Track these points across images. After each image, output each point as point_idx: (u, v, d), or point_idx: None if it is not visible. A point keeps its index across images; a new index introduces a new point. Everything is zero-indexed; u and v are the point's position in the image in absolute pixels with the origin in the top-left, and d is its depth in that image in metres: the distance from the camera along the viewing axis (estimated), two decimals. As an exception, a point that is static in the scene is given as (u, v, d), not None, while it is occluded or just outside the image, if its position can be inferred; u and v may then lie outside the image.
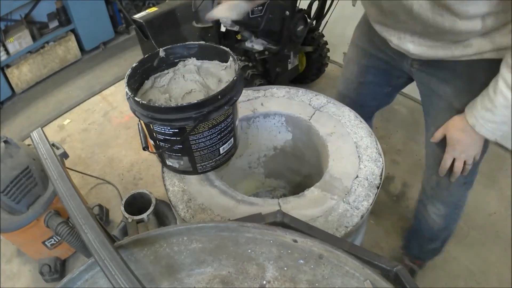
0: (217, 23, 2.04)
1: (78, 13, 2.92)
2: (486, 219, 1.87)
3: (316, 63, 2.43)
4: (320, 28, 2.36)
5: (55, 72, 3.02)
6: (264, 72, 2.24)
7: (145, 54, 1.07)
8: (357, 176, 1.09)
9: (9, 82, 2.73)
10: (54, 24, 2.91)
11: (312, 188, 1.07)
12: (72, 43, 3.03)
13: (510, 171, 2.05)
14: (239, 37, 2.17)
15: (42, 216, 1.42)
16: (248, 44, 2.13)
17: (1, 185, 1.31)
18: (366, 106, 1.38)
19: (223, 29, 2.07)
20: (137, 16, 2.34)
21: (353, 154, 1.15)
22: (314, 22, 2.20)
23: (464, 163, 1.01)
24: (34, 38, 2.74)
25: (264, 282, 0.60)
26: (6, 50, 2.61)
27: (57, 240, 1.59)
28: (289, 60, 2.22)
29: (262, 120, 1.36)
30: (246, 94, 1.38)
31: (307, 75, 2.53)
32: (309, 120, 1.28)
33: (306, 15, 2.15)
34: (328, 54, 2.44)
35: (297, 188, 1.52)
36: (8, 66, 2.68)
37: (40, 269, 1.62)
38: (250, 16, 1.82)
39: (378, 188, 1.06)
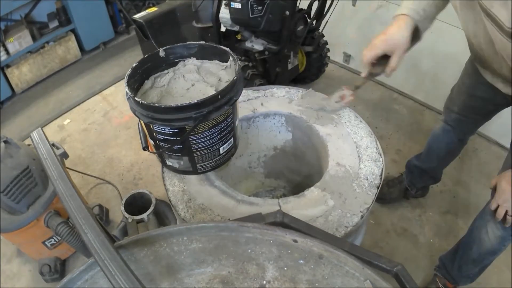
0: (217, 23, 2.04)
1: (78, 13, 2.91)
2: (486, 219, 1.86)
3: (316, 63, 2.43)
4: (320, 28, 2.36)
5: (55, 72, 3.02)
6: (264, 72, 2.24)
7: (145, 54, 1.07)
8: (357, 176, 1.09)
9: (9, 82, 2.73)
10: (54, 24, 2.91)
11: (312, 188, 1.07)
12: (72, 43, 3.03)
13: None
14: (239, 37, 2.17)
15: (42, 216, 1.42)
16: (248, 44, 2.13)
17: (1, 185, 1.31)
18: (470, 118, 1.47)
19: (223, 29, 2.07)
20: (137, 16, 2.34)
21: (353, 154, 1.15)
22: (314, 22, 2.20)
23: (507, 213, 1.11)
24: (34, 38, 2.74)
25: (264, 282, 0.60)
26: (6, 50, 2.61)
27: (57, 240, 1.59)
28: (289, 60, 2.22)
29: (262, 120, 1.36)
30: (246, 94, 1.38)
31: (307, 75, 2.53)
32: (309, 120, 1.28)
33: (306, 15, 2.15)
34: (328, 54, 2.44)
35: (297, 188, 1.52)
36: (8, 66, 2.68)
37: (40, 269, 1.62)
38: (250, 16, 1.82)
39: (378, 188, 1.06)
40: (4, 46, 2.58)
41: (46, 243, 1.57)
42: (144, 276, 0.61)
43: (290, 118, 1.33)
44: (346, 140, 1.19)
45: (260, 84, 2.10)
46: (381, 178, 1.08)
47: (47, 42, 2.88)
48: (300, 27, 2.08)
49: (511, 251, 1.69)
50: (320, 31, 2.37)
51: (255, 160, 1.53)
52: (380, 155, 1.15)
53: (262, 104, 1.35)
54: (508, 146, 2.10)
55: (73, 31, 3.01)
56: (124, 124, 2.49)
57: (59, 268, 1.66)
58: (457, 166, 2.09)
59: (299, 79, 2.55)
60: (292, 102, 1.35)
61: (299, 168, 1.49)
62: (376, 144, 1.18)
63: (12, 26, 2.69)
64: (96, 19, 3.09)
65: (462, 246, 1.39)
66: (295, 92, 1.39)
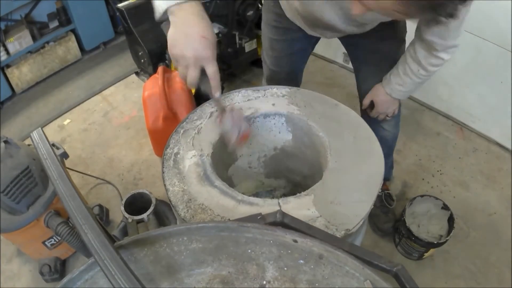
0: None
1: (78, 13, 2.91)
2: (486, 219, 1.87)
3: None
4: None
5: (55, 72, 3.01)
6: (220, 54, 2.37)
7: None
8: (357, 176, 1.09)
9: (9, 82, 2.73)
10: (54, 24, 2.90)
11: (312, 188, 1.07)
12: (72, 43, 3.03)
13: (510, 171, 2.05)
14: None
15: (42, 216, 1.42)
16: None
17: (1, 185, 1.31)
18: (299, 71, 1.69)
19: None
20: (120, 5, 2.34)
21: (354, 154, 1.15)
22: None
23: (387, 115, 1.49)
24: (34, 38, 2.74)
25: (264, 282, 0.60)
26: (6, 50, 2.61)
27: (57, 240, 1.59)
28: (238, 42, 2.39)
29: (262, 120, 1.36)
30: (246, 94, 1.38)
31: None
32: (309, 119, 1.28)
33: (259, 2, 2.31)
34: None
35: (297, 188, 1.52)
36: (8, 66, 2.68)
37: (40, 269, 1.62)
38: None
39: (378, 187, 1.06)
40: (4, 46, 2.58)
41: (46, 243, 1.57)
42: (144, 276, 0.61)
43: (290, 118, 1.33)
44: (346, 139, 1.20)
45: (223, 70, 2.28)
46: (381, 177, 1.08)
47: (47, 42, 2.88)
48: (250, 12, 2.28)
49: (511, 251, 1.70)
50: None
51: (255, 160, 1.53)
52: (381, 155, 1.15)
53: (262, 104, 1.35)
54: (508, 146, 2.12)
55: (73, 31, 3.01)
56: (124, 124, 2.49)
57: (59, 268, 1.66)
58: (457, 166, 2.09)
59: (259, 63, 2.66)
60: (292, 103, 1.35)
61: (299, 168, 1.48)
62: (376, 144, 1.18)
63: (12, 26, 2.68)
64: (96, 19, 3.08)
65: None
66: (295, 92, 1.39)
